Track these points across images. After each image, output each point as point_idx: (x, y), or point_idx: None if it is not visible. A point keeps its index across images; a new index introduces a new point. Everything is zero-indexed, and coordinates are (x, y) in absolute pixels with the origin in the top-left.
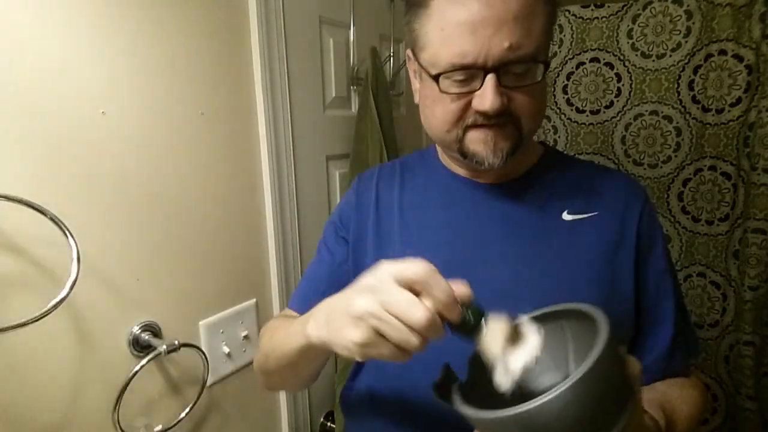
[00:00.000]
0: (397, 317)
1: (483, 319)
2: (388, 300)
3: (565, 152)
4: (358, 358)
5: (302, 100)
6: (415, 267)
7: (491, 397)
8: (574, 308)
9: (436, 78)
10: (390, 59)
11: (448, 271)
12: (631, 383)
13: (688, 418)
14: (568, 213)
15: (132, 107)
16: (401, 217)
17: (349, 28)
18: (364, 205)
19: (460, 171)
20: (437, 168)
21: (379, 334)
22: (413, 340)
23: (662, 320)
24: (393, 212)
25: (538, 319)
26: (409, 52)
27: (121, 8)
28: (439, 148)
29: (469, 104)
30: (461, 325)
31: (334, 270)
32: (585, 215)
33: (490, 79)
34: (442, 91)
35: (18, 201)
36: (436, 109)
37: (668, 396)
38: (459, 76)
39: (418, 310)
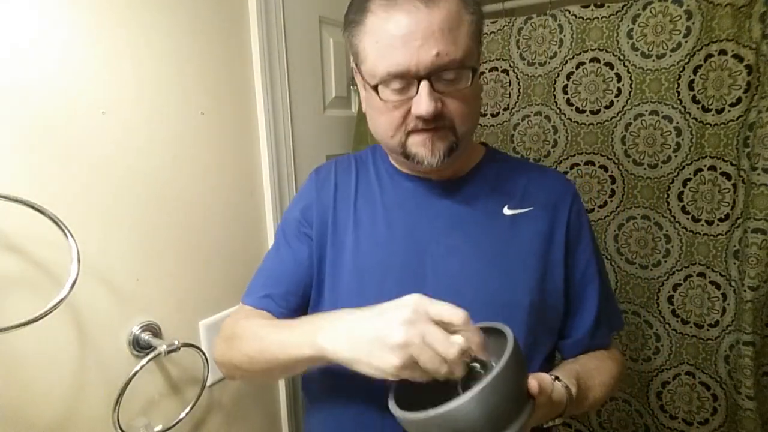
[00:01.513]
0: (434, 350)
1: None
2: (429, 335)
3: (504, 151)
4: (389, 378)
5: (302, 100)
6: (455, 312)
7: (421, 399)
8: (493, 326)
9: (375, 88)
10: None
11: (401, 264)
12: (530, 393)
13: (601, 384)
14: (509, 208)
15: (132, 107)
16: (355, 212)
17: None
18: (324, 199)
19: (408, 169)
20: (387, 165)
21: (414, 361)
22: (443, 369)
23: (587, 302)
24: (349, 207)
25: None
26: (353, 65)
27: (122, 9)
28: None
29: (408, 111)
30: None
31: (296, 268)
32: (522, 210)
33: (423, 85)
34: (382, 99)
35: (18, 201)
36: (380, 118)
37: (586, 366)
38: (396, 85)
39: (454, 347)
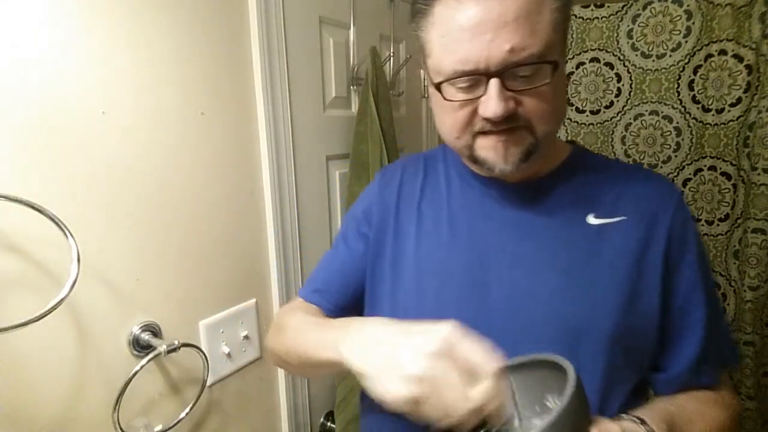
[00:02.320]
0: (443, 399)
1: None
2: (442, 380)
3: (597, 152)
4: (389, 407)
5: (302, 100)
6: (487, 360)
7: None
8: (551, 359)
9: (438, 86)
10: (390, 59)
11: (463, 271)
12: None
13: None
14: (595, 216)
15: (132, 107)
16: (419, 213)
17: (349, 28)
18: (387, 199)
19: (482, 169)
20: (458, 164)
21: (419, 399)
22: (452, 420)
23: (690, 331)
24: (412, 208)
25: (517, 368)
26: (422, 59)
27: (122, 9)
28: None
29: (475, 111)
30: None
31: (350, 267)
32: (612, 219)
33: (493, 84)
34: (446, 99)
35: (18, 201)
36: (445, 117)
37: (684, 409)
38: (463, 83)
39: (463, 407)
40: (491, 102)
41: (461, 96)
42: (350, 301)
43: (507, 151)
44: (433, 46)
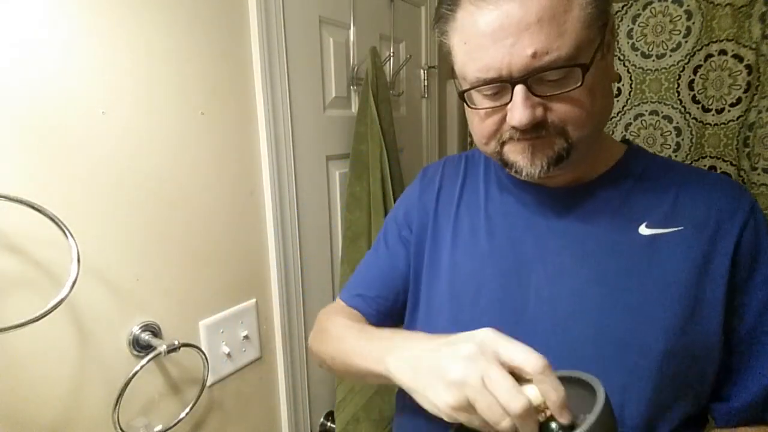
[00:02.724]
0: (494, 397)
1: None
2: (490, 378)
3: (656, 154)
4: (445, 418)
5: (302, 100)
6: (530, 359)
7: None
8: (579, 376)
9: (462, 95)
10: (390, 59)
11: (499, 281)
12: None
13: None
14: (647, 226)
15: (132, 107)
16: (456, 219)
17: (349, 28)
18: (427, 202)
19: (511, 172)
20: (498, 168)
21: (470, 404)
22: (504, 424)
23: (760, 361)
24: (450, 213)
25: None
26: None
27: (121, 8)
28: None
29: (503, 119)
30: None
31: (391, 272)
32: (668, 229)
33: (518, 91)
34: (470, 107)
35: (18, 201)
36: (474, 123)
37: None
38: (488, 91)
39: (519, 401)
40: (516, 110)
41: (487, 103)
42: (392, 307)
43: (534, 155)
44: (457, 53)
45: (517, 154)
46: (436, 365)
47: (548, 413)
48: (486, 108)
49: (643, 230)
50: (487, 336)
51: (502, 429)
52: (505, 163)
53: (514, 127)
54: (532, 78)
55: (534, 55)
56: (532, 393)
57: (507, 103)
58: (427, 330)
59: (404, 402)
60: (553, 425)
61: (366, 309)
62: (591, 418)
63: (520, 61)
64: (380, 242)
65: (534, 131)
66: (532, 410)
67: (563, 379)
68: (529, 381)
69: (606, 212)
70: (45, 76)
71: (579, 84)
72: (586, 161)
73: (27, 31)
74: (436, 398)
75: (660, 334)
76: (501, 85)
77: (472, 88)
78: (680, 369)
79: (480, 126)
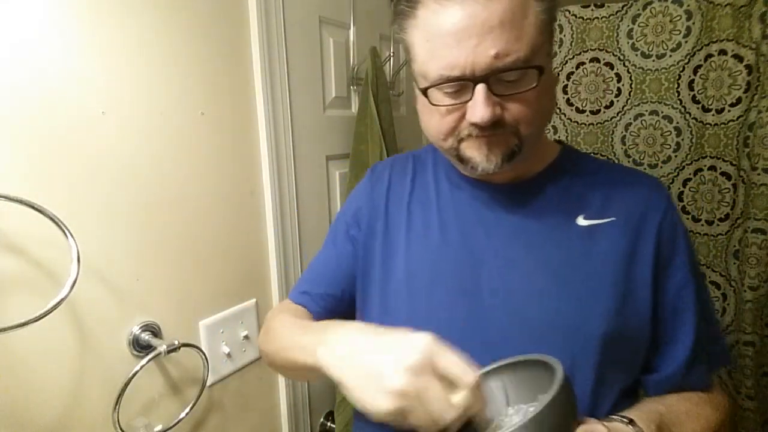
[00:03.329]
0: (428, 410)
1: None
2: (426, 392)
3: (587, 152)
4: (373, 420)
5: (302, 100)
6: (465, 374)
7: None
8: (543, 359)
9: (424, 92)
10: (390, 59)
11: (453, 273)
12: None
13: None
14: (584, 218)
15: (132, 107)
16: (408, 214)
17: (349, 28)
18: (377, 199)
19: (466, 168)
20: (447, 166)
21: (403, 411)
22: (434, 429)
23: (680, 332)
24: (402, 209)
25: (512, 367)
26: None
27: (121, 9)
28: None
29: (462, 116)
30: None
31: (339, 270)
32: (602, 220)
33: (479, 90)
34: (432, 104)
35: (18, 201)
36: (431, 120)
37: (674, 409)
38: (449, 89)
39: (450, 414)
40: (478, 108)
41: (448, 101)
42: (338, 305)
43: (490, 151)
44: (418, 51)
45: (473, 150)
46: (377, 371)
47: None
48: (447, 105)
49: (581, 222)
50: (429, 345)
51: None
52: (461, 159)
53: (473, 124)
54: (492, 78)
55: (496, 56)
56: (461, 402)
57: (467, 101)
58: (383, 323)
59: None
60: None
61: (313, 306)
62: (555, 386)
63: (483, 61)
64: (329, 240)
65: (491, 128)
66: (461, 419)
67: (526, 362)
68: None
69: (548, 206)
70: (45, 76)
71: (534, 85)
72: (531, 159)
73: (27, 31)
74: (372, 402)
75: (600, 317)
76: (462, 83)
77: (434, 85)
78: (618, 348)
79: (439, 123)
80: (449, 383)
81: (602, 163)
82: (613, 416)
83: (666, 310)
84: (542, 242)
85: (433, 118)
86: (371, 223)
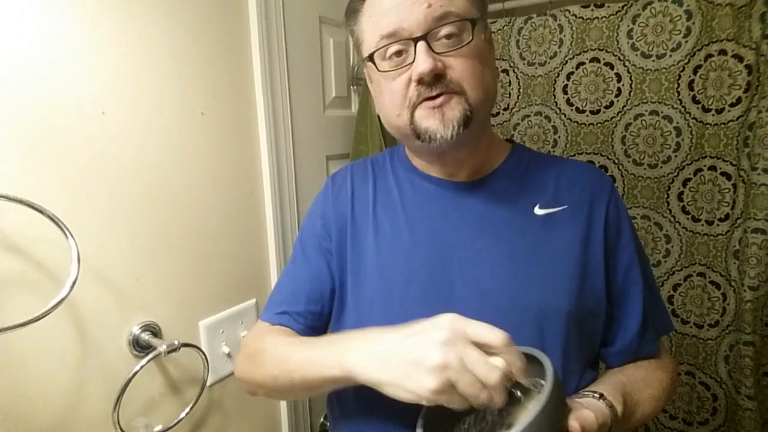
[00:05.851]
0: (474, 374)
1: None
2: (468, 358)
3: (533, 149)
4: (425, 404)
5: (302, 100)
6: (496, 335)
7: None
8: (527, 351)
9: (371, 57)
10: None
11: (426, 271)
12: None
13: (650, 398)
14: (540, 207)
15: (132, 107)
16: (374, 219)
17: None
18: (341, 206)
19: (431, 170)
20: (406, 167)
21: (451, 385)
22: (483, 396)
23: (630, 307)
24: (367, 213)
25: None
26: (361, 59)
27: (121, 9)
28: (407, 149)
29: (409, 79)
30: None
31: (316, 284)
32: (555, 209)
33: (420, 46)
34: (380, 71)
35: (18, 201)
36: (384, 97)
37: (633, 378)
38: (392, 49)
39: (496, 372)
40: (420, 61)
41: (393, 65)
42: (320, 320)
43: (445, 116)
44: (363, 30)
45: (429, 119)
46: (412, 355)
47: (512, 382)
48: (393, 70)
49: (538, 211)
50: (453, 320)
51: (480, 402)
52: (418, 134)
53: (419, 81)
54: (430, 34)
55: (429, 6)
56: (500, 364)
57: (411, 63)
58: (359, 327)
59: (340, 411)
60: (517, 392)
61: (295, 325)
62: (548, 384)
63: (419, 15)
64: (298, 257)
65: (437, 85)
66: (506, 379)
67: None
68: (493, 355)
69: (507, 199)
70: (45, 76)
71: (470, 39)
72: (482, 151)
73: (27, 31)
74: (417, 385)
75: (565, 297)
76: (403, 45)
77: (378, 49)
78: (581, 325)
79: (391, 95)
80: (484, 352)
81: (550, 156)
82: (585, 392)
83: (617, 287)
84: (505, 232)
85: (384, 93)
86: (340, 231)
